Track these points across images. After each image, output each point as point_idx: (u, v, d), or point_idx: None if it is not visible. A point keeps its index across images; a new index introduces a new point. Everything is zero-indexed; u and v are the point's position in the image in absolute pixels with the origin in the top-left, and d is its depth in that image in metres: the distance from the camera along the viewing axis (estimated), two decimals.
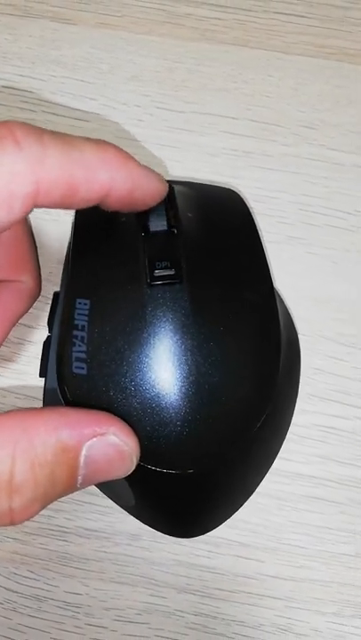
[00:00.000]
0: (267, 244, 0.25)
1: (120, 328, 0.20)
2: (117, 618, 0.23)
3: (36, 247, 0.22)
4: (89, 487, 0.22)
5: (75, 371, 0.20)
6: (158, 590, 0.23)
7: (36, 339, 0.25)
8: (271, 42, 0.27)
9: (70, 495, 0.23)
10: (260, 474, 0.23)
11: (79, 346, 0.20)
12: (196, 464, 0.19)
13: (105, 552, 0.23)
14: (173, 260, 0.20)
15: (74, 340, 0.20)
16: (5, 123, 0.15)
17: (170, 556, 0.23)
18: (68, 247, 0.23)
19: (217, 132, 0.26)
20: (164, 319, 0.19)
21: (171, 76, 0.27)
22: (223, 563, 0.23)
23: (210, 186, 0.25)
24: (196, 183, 0.24)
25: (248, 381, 0.20)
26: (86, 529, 0.23)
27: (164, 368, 0.19)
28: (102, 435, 0.16)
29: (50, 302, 0.24)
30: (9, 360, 0.24)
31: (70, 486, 0.16)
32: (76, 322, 0.20)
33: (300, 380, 0.24)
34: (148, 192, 0.17)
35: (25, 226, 0.21)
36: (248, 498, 0.22)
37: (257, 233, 0.22)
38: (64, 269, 0.24)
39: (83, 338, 0.20)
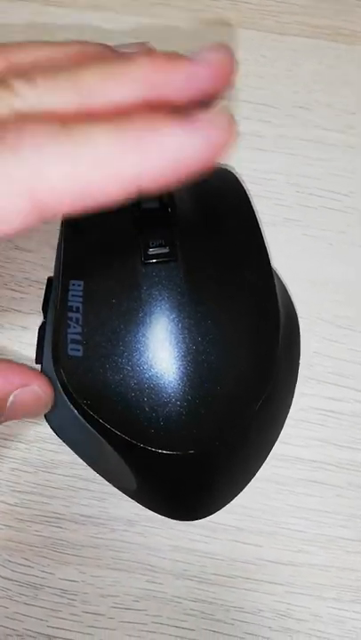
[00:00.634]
0: (263, 227, 0.25)
1: (115, 308, 0.20)
2: (114, 605, 0.23)
3: None
4: (84, 473, 0.23)
5: (70, 353, 0.20)
6: (155, 576, 0.23)
7: (31, 325, 0.25)
8: (265, 22, 0.27)
9: (65, 482, 0.23)
10: (261, 455, 0.23)
11: (74, 327, 0.20)
12: (197, 445, 0.19)
13: (101, 538, 0.23)
14: (168, 238, 0.20)
15: (68, 321, 0.20)
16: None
17: (167, 541, 0.23)
18: (60, 230, 0.23)
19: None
20: (160, 298, 0.19)
21: None
22: (221, 548, 0.23)
23: None
24: None
25: (247, 360, 0.20)
26: (82, 515, 0.23)
27: (161, 348, 0.19)
28: (26, 385, 0.20)
29: (44, 288, 0.24)
30: (4, 347, 0.25)
31: None
32: (70, 303, 0.20)
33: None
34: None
35: None
36: (249, 480, 0.23)
37: (253, 211, 0.22)
38: (57, 254, 0.24)
39: (77, 319, 0.20)
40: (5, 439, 0.24)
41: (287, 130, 0.26)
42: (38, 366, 0.23)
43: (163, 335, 0.19)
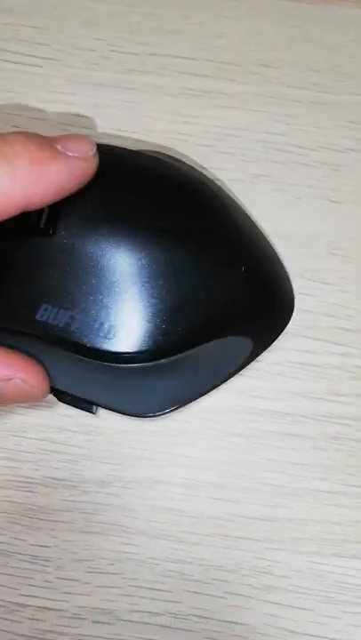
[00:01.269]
0: (231, 182, 0.25)
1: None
2: (89, 569, 0.23)
3: None
4: (55, 436, 0.24)
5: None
6: (130, 538, 0.23)
7: None
8: None
9: (36, 445, 0.23)
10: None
11: None
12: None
13: (73, 501, 0.23)
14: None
15: None
16: None
17: (140, 501, 0.23)
18: None
19: (173, 73, 0.27)
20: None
21: (124, 19, 0.27)
22: (197, 505, 0.23)
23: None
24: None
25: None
26: (53, 478, 0.23)
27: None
28: (9, 379, 0.20)
29: None
30: None
31: None
32: None
33: None
34: (71, 182, 0.20)
35: None
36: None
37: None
38: None
39: None
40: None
41: (251, 87, 0.27)
42: None
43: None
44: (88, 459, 0.23)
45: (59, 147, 0.19)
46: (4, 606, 0.22)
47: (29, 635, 0.22)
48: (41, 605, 0.23)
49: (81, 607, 0.23)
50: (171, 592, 0.23)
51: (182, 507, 0.23)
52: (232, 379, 0.23)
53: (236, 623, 0.23)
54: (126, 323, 0.20)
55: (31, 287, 0.21)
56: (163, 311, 0.21)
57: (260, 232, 0.25)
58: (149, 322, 0.21)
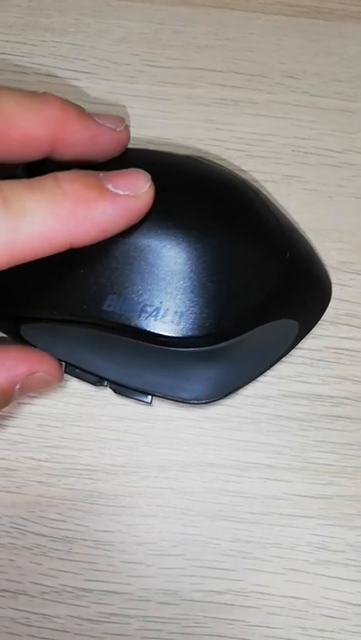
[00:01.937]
0: (266, 183, 0.29)
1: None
2: (152, 552, 0.25)
3: None
4: (112, 424, 0.28)
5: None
6: (191, 520, 0.26)
7: None
8: (249, 4, 0.33)
9: (94, 433, 0.26)
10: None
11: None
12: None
13: (133, 486, 0.26)
14: None
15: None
16: None
17: (198, 484, 0.26)
18: None
19: (205, 85, 0.31)
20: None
21: (157, 36, 0.32)
22: (252, 486, 0.26)
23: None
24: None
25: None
26: (112, 465, 0.26)
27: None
28: (34, 373, 0.24)
29: None
30: None
31: (5, 406, 0.24)
32: None
33: None
34: (101, 144, 0.23)
35: None
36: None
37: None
38: None
39: None
40: (31, 396, 0.26)
41: (278, 97, 0.31)
42: None
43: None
44: (145, 445, 0.26)
45: (109, 185, 0.21)
46: (70, 592, 0.25)
47: (96, 619, 0.25)
48: (106, 589, 0.25)
49: (146, 589, 0.25)
50: (233, 570, 0.25)
51: (238, 488, 0.26)
52: (276, 365, 0.27)
53: (295, 598, 0.25)
54: (188, 309, 0.24)
55: (98, 280, 0.24)
56: (221, 296, 0.24)
57: (295, 226, 0.28)
58: (209, 307, 0.24)
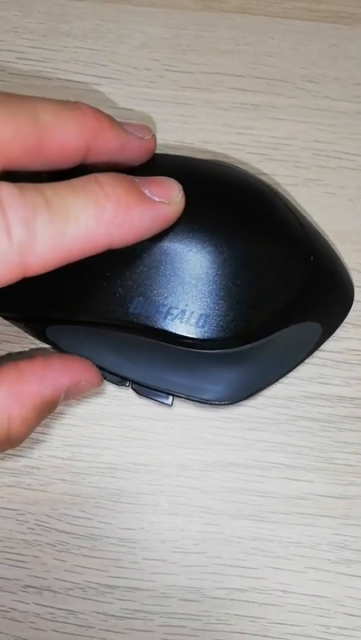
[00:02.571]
0: (286, 186, 0.31)
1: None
2: (174, 550, 0.27)
3: None
4: (135, 424, 0.30)
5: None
6: (213, 518, 0.28)
7: None
8: (269, 9, 0.35)
9: (116, 432, 0.28)
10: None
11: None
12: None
13: (155, 485, 0.28)
14: None
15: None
16: None
17: (220, 483, 0.28)
18: None
19: (225, 89, 0.33)
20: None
21: (177, 41, 0.34)
22: (273, 486, 0.28)
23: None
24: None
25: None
26: (135, 463, 0.28)
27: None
28: (76, 383, 0.26)
29: None
30: None
31: (48, 415, 0.26)
32: None
33: None
34: (130, 152, 0.26)
35: None
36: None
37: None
38: None
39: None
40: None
41: (298, 101, 0.33)
42: None
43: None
44: (166, 444, 0.28)
45: (146, 191, 0.23)
46: (95, 588, 0.27)
47: (120, 615, 0.27)
48: (130, 586, 0.27)
49: (168, 586, 0.27)
50: (255, 569, 0.27)
51: (260, 487, 0.28)
52: (299, 367, 0.28)
53: (317, 596, 0.27)
54: (213, 311, 0.26)
55: (125, 283, 0.26)
56: (245, 300, 0.26)
57: (318, 230, 0.31)
58: (234, 310, 0.26)
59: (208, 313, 0.27)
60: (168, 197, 0.24)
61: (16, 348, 0.31)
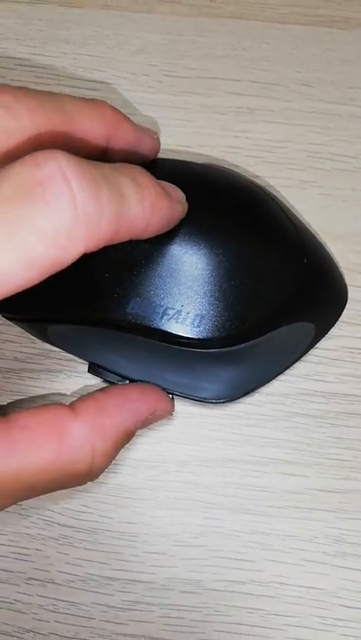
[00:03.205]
0: (281, 188, 0.33)
1: None
2: (175, 543, 0.30)
3: None
4: None
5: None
6: (212, 513, 0.30)
7: None
8: (265, 14, 0.37)
9: None
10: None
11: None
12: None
13: (156, 480, 0.30)
14: None
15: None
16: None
17: (219, 478, 0.30)
18: None
19: (222, 94, 0.36)
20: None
21: (174, 47, 0.37)
22: (271, 481, 0.31)
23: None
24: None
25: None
26: (136, 459, 0.31)
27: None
28: (154, 412, 0.28)
29: None
30: None
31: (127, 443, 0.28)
32: None
33: None
34: (143, 147, 0.28)
35: None
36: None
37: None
38: None
39: None
40: (61, 395, 0.31)
41: (294, 104, 0.36)
42: None
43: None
44: (167, 440, 0.31)
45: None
46: (96, 580, 0.29)
47: (121, 606, 0.29)
48: (131, 578, 0.29)
49: (168, 578, 0.29)
50: (253, 562, 0.29)
51: (258, 482, 0.30)
52: (295, 365, 0.31)
53: (314, 588, 0.30)
54: (209, 312, 0.28)
55: (123, 284, 0.28)
56: (240, 300, 0.29)
57: (311, 231, 0.33)
58: (229, 310, 0.28)
59: (203, 313, 0.29)
60: (177, 197, 0.26)
61: (18, 348, 0.33)
